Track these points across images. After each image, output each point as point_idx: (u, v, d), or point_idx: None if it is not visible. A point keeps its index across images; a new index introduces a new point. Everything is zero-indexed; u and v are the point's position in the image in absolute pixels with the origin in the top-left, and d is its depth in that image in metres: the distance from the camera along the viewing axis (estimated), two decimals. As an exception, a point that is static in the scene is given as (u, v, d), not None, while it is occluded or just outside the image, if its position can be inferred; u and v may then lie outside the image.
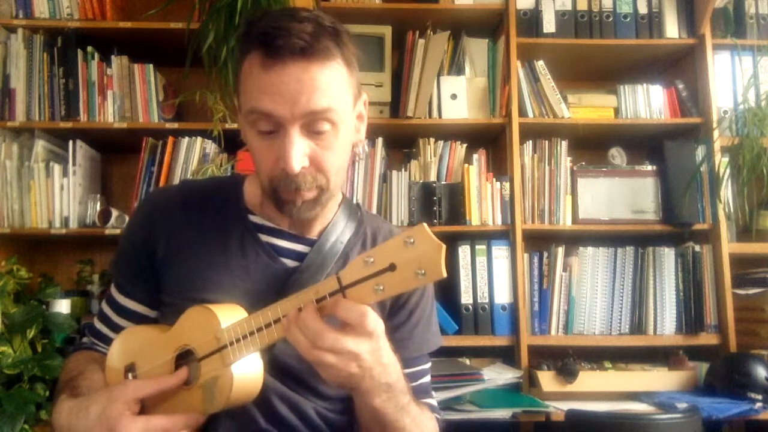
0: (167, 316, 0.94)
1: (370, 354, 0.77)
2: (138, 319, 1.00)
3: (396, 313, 1.02)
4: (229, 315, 0.85)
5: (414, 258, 0.70)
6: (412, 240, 0.70)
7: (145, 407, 0.86)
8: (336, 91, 0.85)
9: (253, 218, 0.99)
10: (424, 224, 0.71)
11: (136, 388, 0.84)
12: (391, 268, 0.71)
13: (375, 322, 0.76)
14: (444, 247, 0.69)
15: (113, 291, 1.03)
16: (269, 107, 0.83)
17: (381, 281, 0.72)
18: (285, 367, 0.93)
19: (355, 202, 1.09)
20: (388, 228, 1.09)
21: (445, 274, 0.69)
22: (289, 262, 0.97)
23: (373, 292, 0.72)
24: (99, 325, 1.04)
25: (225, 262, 0.94)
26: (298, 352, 0.77)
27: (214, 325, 0.84)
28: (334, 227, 1.00)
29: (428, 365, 1.07)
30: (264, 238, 0.97)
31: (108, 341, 1.00)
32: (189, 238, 0.96)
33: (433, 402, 1.06)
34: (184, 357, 0.88)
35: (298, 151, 0.84)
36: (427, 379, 1.07)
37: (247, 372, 0.85)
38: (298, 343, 0.76)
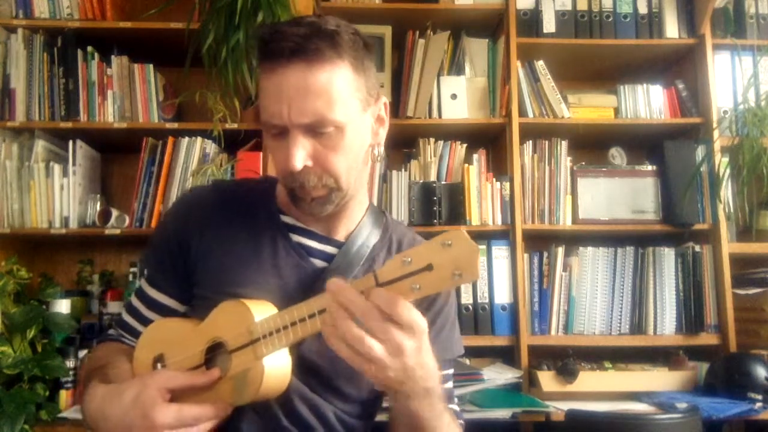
0: (198, 310, 0.96)
1: (414, 351, 0.74)
2: (167, 313, 1.02)
3: None
4: (262, 310, 0.87)
5: (451, 259, 0.71)
6: (449, 242, 0.71)
7: (174, 396, 0.88)
8: (336, 94, 0.87)
9: (284, 218, 1.01)
10: (462, 229, 0.73)
11: (169, 378, 0.86)
12: (429, 268, 0.72)
13: (418, 316, 0.74)
14: (479, 250, 0.69)
15: (144, 285, 1.05)
16: (270, 116, 0.88)
17: (418, 281, 0.72)
18: (310, 367, 0.94)
19: (381, 209, 1.12)
20: (412, 236, 1.10)
21: (479, 276, 0.71)
22: (318, 263, 0.99)
23: (410, 291, 0.73)
24: (127, 317, 1.06)
25: (257, 260, 0.96)
26: (331, 350, 0.74)
27: (248, 318, 0.86)
28: (360, 232, 1.02)
29: (451, 371, 1.07)
30: (295, 238, 0.99)
31: (136, 334, 1.02)
32: (223, 235, 0.98)
33: (456, 408, 1.06)
34: (213, 349, 0.90)
35: (299, 151, 0.87)
36: (450, 384, 1.07)
37: (277, 366, 0.86)
38: (343, 326, 0.72)
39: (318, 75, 0.85)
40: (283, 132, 0.89)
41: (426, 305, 1.01)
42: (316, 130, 0.88)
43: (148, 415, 0.81)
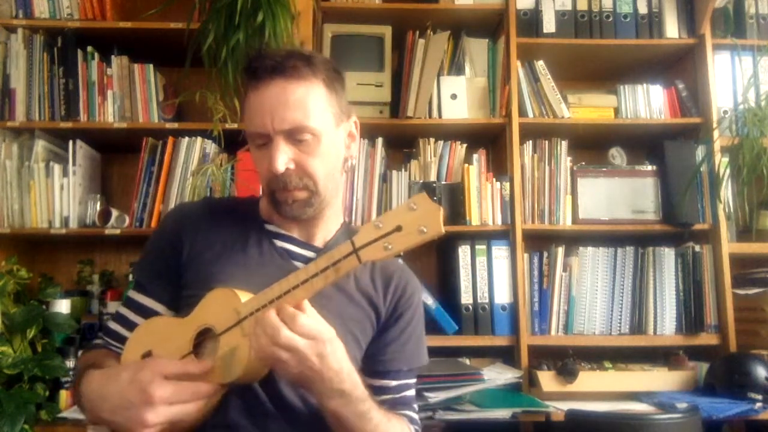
0: (186, 310, 1.00)
1: (317, 357, 0.85)
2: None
3: (389, 328, 1.10)
4: (247, 295, 0.93)
5: (417, 219, 0.81)
6: (414, 206, 0.81)
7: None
8: (312, 106, 0.99)
9: (268, 227, 1.10)
10: (425, 192, 0.82)
11: (164, 365, 0.89)
12: (398, 229, 0.82)
13: (319, 328, 0.85)
14: (442, 209, 0.81)
15: (132, 293, 1.10)
16: (255, 127, 1.00)
17: (389, 240, 0.82)
18: None
19: (354, 225, 1.21)
20: None
21: (443, 231, 0.81)
22: (300, 265, 1.06)
23: (383, 250, 0.82)
24: (114, 325, 1.10)
25: (244, 261, 1.05)
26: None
27: (235, 300, 0.92)
28: (337, 241, 1.10)
29: (414, 380, 1.15)
30: (278, 243, 1.08)
31: (123, 341, 1.05)
32: (212, 240, 1.06)
33: (413, 414, 1.12)
34: (201, 336, 0.95)
35: (282, 155, 0.98)
36: (411, 393, 1.14)
37: None
38: (259, 341, 0.85)
39: (296, 89, 0.98)
40: (267, 142, 0.99)
41: (396, 316, 1.11)
42: (295, 137, 0.99)
43: (146, 390, 0.84)
